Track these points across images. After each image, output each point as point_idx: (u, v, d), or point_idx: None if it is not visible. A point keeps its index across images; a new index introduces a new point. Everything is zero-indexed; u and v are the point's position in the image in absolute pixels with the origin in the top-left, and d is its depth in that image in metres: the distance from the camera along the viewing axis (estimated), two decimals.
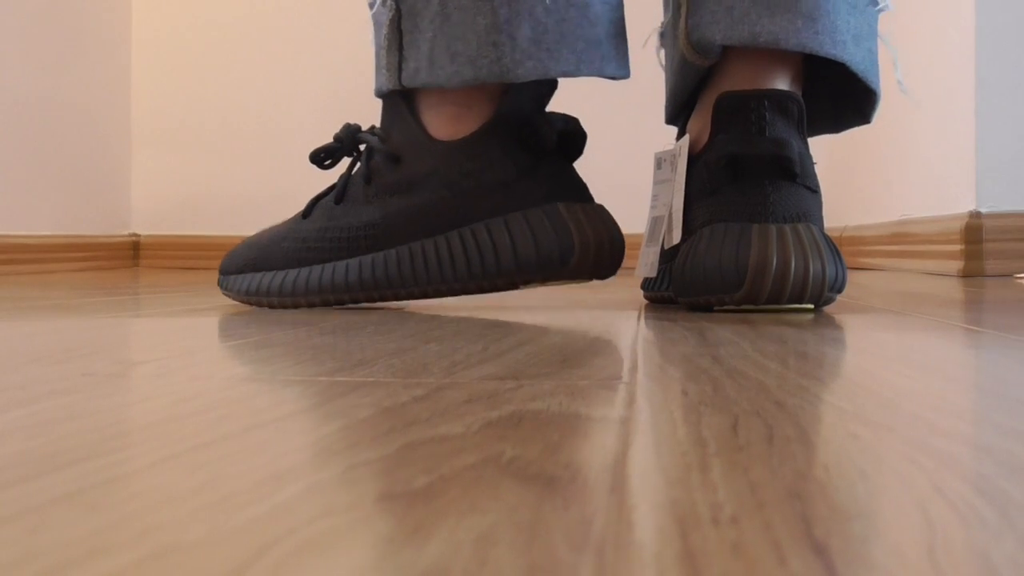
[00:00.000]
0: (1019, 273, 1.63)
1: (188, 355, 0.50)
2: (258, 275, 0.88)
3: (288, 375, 0.42)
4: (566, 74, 0.84)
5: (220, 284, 0.92)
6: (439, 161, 0.84)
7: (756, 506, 0.21)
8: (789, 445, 0.28)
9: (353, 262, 0.86)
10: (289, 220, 0.92)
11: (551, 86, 0.87)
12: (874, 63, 0.84)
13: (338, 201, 0.88)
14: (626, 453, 0.27)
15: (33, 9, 2.12)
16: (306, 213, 0.89)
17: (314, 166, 0.91)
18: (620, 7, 0.88)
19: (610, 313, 0.84)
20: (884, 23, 0.88)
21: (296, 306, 0.87)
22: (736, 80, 0.83)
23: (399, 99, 0.87)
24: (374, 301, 0.86)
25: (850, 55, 0.81)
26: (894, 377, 0.43)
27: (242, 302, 0.89)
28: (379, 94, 0.90)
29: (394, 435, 0.29)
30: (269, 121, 2.52)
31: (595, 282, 0.85)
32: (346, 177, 0.89)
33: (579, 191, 0.85)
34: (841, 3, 0.79)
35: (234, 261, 0.91)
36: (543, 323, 0.73)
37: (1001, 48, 1.70)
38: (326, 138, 0.93)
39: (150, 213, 2.54)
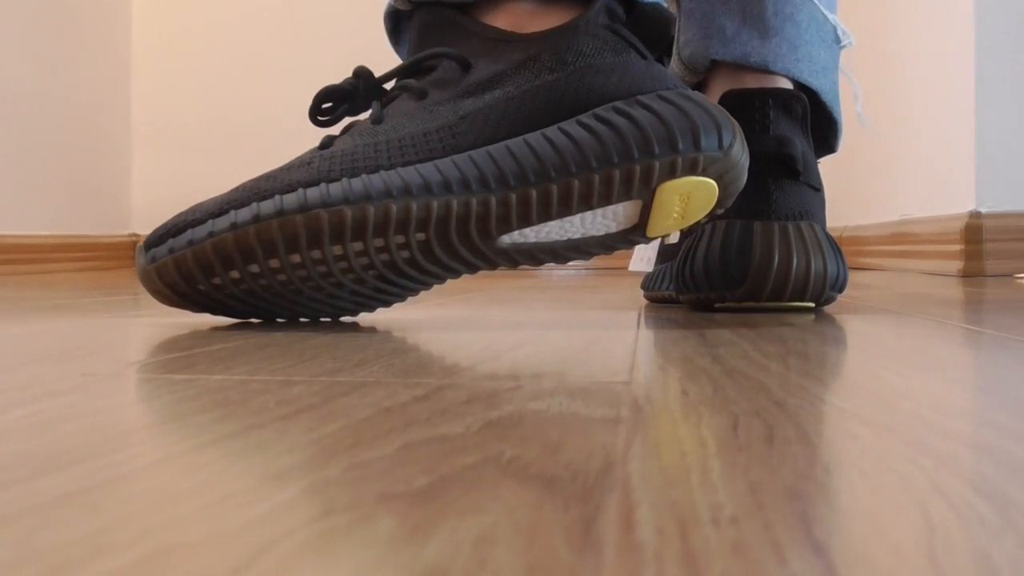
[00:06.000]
0: (1019, 273, 1.63)
1: (188, 355, 0.50)
2: (280, 196, 0.64)
3: (288, 375, 0.42)
4: None
5: (153, 251, 0.66)
6: (538, 48, 0.67)
7: (756, 506, 0.21)
8: (789, 445, 0.28)
9: (442, 161, 0.63)
10: (275, 170, 0.67)
11: None
12: (837, 94, 0.88)
13: (376, 122, 0.68)
14: (626, 453, 0.27)
15: (33, 9, 2.12)
16: (325, 145, 0.68)
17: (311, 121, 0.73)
18: None
19: (610, 313, 0.84)
20: (889, 41, 0.90)
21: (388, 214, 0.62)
22: (740, 80, 0.84)
23: (446, 9, 0.70)
24: (484, 207, 0.62)
25: (821, 84, 0.85)
26: (894, 377, 0.43)
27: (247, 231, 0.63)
28: (409, 5, 0.71)
29: (394, 435, 0.29)
30: (269, 121, 2.51)
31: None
32: (379, 99, 0.70)
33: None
34: (815, 37, 0.82)
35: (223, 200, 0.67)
36: (543, 323, 0.73)
37: (1001, 48, 1.70)
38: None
39: (150, 213, 2.54)
